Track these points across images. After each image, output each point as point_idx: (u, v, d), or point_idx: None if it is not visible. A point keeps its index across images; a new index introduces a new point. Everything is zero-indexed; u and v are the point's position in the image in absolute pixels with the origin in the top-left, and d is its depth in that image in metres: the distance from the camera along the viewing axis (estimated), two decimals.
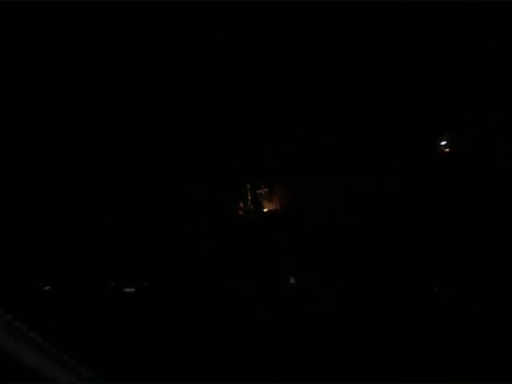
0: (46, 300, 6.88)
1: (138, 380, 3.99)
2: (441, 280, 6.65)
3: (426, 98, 10.09)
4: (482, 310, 5.23)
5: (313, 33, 10.92)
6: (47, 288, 7.19)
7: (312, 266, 9.10)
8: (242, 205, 21.91)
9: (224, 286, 7.76)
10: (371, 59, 10.85)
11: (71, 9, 8.39)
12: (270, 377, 4.02)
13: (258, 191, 26.89)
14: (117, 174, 11.50)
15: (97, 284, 7.60)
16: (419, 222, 9.43)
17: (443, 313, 5.45)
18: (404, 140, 11.53)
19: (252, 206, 25.02)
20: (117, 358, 4.37)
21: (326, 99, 13.32)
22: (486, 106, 8.44)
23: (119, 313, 6.35)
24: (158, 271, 8.48)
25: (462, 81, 8.93)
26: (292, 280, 8.62)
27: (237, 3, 9.23)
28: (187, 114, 14.25)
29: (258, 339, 5.02)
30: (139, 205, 12.03)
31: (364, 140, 12.56)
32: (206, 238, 13.27)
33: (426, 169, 10.58)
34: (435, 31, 8.92)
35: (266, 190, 26.06)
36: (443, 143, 10.91)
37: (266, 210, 25.79)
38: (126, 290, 7.43)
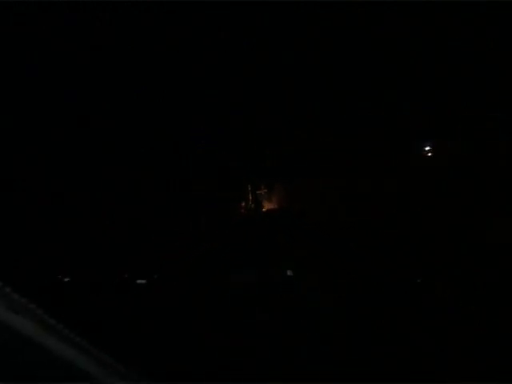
0: (67, 290, 7.48)
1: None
2: (441, 280, 6.65)
3: (425, 98, 10.09)
4: (482, 310, 5.23)
5: (313, 33, 10.92)
6: (67, 280, 7.80)
7: (312, 265, 9.11)
8: (243, 204, 23.66)
9: (224, 278, 8.16)
10: (371, 58, 10.85)
11: (71, 9, 8.39)
12: (270, 377, 4.02)
13: (258, 192, 27.81)
14: (117, 174, 11.51)
15: (112, 276, 8.24)
16: (419, 221, 9.44)
17: (443, 313, 5.45)
18: (403, 140, 11.54)
19: (253, 206, 25.94)
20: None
21: (325, 99, 13.33)
22: (485, 106, 8.44)
23: (134, 302, 6.82)
24: (162, 267, 8.84)
25: (461, 81, 8.93)
26: (289, 272, 8.80)
27: (237, 3, 9.23)
28: (187, 114, 14.25)
29: (258, 339, 5.02)
30: (140, 205, 12.06)
31: (364, 140, 12.56)
32: (206, 238, 13.29)
33: (425, 169, 10.59)
34: (435, 31, 8.92)
35: (266, 190, 26.93)
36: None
37: (265, 209, 26.69)
38: (139, 281, 8.06)
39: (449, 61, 9.18)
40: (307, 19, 10.37)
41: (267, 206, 27.24)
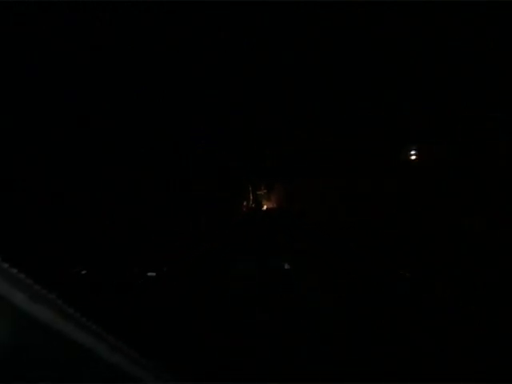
0: (84, 282, 7.95)
1: None
2: (440, 280, 6.66)
3: (425, 98, 10.10)
4: (482, 309, 5.24)
5: (313, 33, 10.93)
6: (84, 272, 8.29)
7: (312, 265, 9.13)
8: (245, 204, 25.34)
9: (224, 275, 8.51)
10: (370, 59, 10.86)
11: (71, 9, 8.39)
12: (270, 377, 4.02)
13: (258, 192, 29.14)
14: (117, 174, 11.52)
15: (124, 269, 8.79)
16: (418, 221, 9.44)
17: (443, 313, 5.46)
18: (403, 140, 11.54)
19: (253, 205, 26.89)
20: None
21: (325, 99, 13.34)
22: (485, 105, 8.45)
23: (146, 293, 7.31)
24: (162, 267, 9.09)
25: (461, 81, 8.94)
26: (287, 266, 9.00)
27: (237, 3, 9.23)
28: (187, 115, 14.27)
29: (258, 339, 5.02)
30: (140, 205, 12.09)
31: (363, 140, 12.57)
32: (206, 238, 13.32)
33: (425, 169, 10.59)
34: (435, 31, 8.93)
35: (266, 191, 28.35)
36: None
37: (264, 208, 27.97)
38: (149, 274, 8.55)
39: (449, 61, 9.18)
40: (307, 19, 10.38)
41: (266, 205, 27.76)
